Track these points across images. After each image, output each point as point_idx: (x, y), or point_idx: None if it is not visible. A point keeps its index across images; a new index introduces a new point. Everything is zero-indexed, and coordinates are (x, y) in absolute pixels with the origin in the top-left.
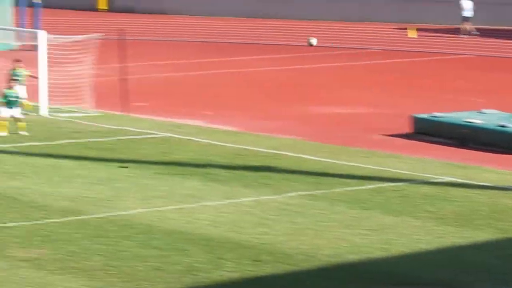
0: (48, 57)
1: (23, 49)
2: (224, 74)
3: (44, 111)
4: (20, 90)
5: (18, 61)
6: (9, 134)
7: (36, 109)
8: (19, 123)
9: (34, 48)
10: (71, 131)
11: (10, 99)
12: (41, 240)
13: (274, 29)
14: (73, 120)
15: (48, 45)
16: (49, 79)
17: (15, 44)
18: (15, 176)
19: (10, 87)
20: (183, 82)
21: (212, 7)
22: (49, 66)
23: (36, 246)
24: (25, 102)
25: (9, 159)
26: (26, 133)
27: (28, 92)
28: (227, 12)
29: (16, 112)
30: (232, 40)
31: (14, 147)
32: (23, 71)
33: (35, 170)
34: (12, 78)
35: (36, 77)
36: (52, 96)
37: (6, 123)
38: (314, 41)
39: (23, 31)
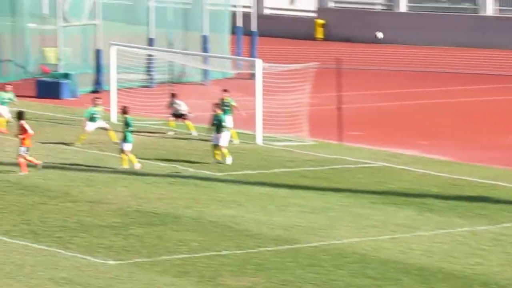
0: (264, 86)
1: (239, 77)
2: (438, 104)
3: (259, 139)
4: (227, 119)
5: (225, 91)
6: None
7: (250, 137)
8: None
9: (251, 76)
10: (286, 159)
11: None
12: (255, 268)
13: (490, 58)
14: (288, 149)
15: (264, 73)
16: (264, 107)
17: (232, 72)
18: (229, 204)
19: (214, 112)
20: (398, 111)
21: (428, 36)
22: (264, 94)
23: (250, 275)
24: (232, 130)
25: (223, 187)
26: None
27: (243, 120)
28: (442, 41)
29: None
30: (447, 70)
31: (229, 175)
32: (231, 101)
33: (249, 199)
34: (222, 107)
35: (242, 113)
36: (266, 124)
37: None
38: (380, 35)
39: (240, 59)
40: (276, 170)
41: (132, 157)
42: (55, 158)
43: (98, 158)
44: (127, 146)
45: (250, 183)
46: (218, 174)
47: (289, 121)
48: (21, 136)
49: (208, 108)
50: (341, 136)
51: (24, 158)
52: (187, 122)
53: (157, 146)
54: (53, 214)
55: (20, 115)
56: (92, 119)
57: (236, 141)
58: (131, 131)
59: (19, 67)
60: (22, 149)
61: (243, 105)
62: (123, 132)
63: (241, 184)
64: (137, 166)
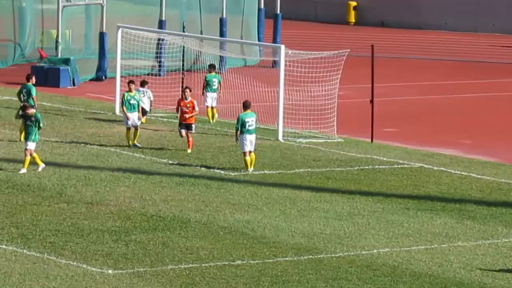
0: (288, 75)
1: (261, 65)
2: (486, 98)
3: (280, 135)
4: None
5: (212, 67)
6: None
7: (270, 133)
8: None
9: (273, 64)
10: (310, 158)
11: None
12: (271, 281)
13: None
14: (312, 146)
15: (288, 61)
16: (287, 99)
17: (254, 59)
18: (244, 208)
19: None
20: (438, 106)
21: (475, 22)
22: (288, 85)
23: None
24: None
25: (238, 188)
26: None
27: (263, 113)
28: (492, 28)
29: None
30: (497, 60)
31: (244, 175)
32: (218, 79)
33: (267, 202)
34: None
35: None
36: (289, 118)
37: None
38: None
39: (262, 45)
40: (298, 170)
41: (36, 156)
42: (50, 153)
43: (98, 154)
44: (31, 145)
45: (268, 184)
46: (232, 174)
47: (314, 115)
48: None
49: (223, 100)
50: (373, 133)
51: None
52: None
53: (164, 141)
54: (45, 217)
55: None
56: (130, 106)
57: (212, 122)
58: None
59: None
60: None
61: (264, 96)
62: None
63: (258, 186)
64: (41, 167)
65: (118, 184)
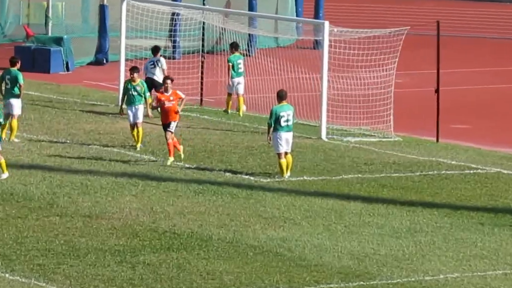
0: (332, 58)
1: (299, 46)
2: None
3: (323, 133)
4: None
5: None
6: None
7: (311, 130)
8: None
9: (314, 45)
10: (360, 162)
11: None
12: None
13: None
14: (363, 146)
15: (333, 41)
16: (332, 88)
17: (289, 38)
18: (279, 222)
19: None
20: None
21: None
22: (332, 70)
23: None
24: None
25: (271, 198)
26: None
27: (302, 106)
28: None
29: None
30: None
31: (279, 182)
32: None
33: (307, 215)
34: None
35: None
36: (334, 112)
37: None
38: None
39: (300, 21)
40: (346, 176)
41: (2, 162)
42: (38, 155)
43: (98, 156)
44: None
45: (309, 194)
46: (264, 181)
47: (366, 108)
48: None
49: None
50: (439, 130)
51: None
52: None
53: (180, 140)
54: (33, 233)
55: None
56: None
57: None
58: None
59: None
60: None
61: (303, 85)
62: None
63: (297, 195)
64: (4, 176)
65: (123, 193)
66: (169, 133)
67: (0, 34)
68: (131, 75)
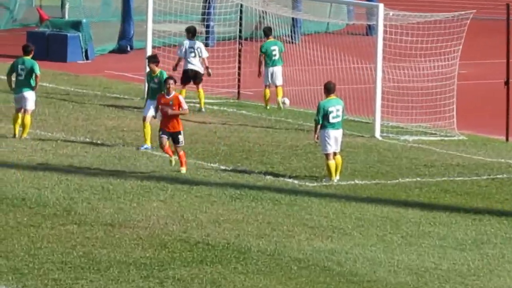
0: (387, 46)
1: (349, 32)
2: None
3: (377, 131)
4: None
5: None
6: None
7: (364, 127)
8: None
9: (367, 31)
10: (419, 164)
11: None
12: None
13: None
14: (422, 146)
15: (388, 26)
16: (387, 80)
17: (339, 23)
18: (327, 232)
19: None
20: None
21: None
22: (387, 60)
23: None
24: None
25: (318, 205)
26: None
27: (353, 100)
28: None
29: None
30: None
31: (327, 186)
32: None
33: (359, 224)
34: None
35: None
36: (389, 107)
37: None
38: (286, 101)
39: (351, 3)
40: (403, 179)
41: None
42: (54, 155)
43: (121, 156)
44: None
45: (361, 200)
46: (310, 185)
47: (425, 103)
48: None
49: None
50: (509, 128)
51: None
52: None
53: (214, 138)
54: (47, 243)
55: None
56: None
57: (286, 102)
58: None
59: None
60: None
61: (354, 76)
62: None
63: (347, 201)
64: None
65: (150, 198)
66: (178, 147)
67: (10, 18)
68: (150, 66)
